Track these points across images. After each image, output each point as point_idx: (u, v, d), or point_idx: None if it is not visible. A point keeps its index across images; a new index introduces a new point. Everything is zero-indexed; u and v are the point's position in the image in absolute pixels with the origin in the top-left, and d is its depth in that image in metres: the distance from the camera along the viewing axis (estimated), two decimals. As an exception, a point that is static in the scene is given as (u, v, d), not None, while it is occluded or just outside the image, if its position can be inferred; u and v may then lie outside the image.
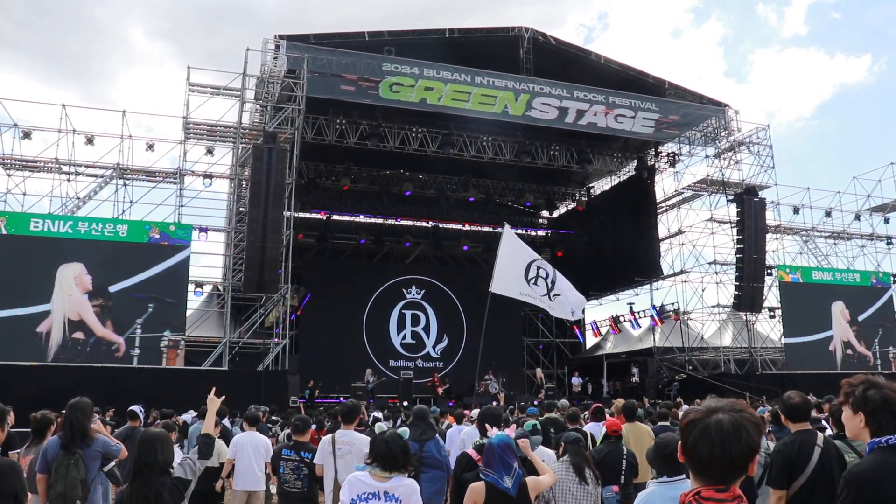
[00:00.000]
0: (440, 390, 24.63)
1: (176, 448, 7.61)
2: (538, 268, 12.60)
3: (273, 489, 9.02)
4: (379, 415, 13.44)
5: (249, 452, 8.14)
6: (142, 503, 3.87)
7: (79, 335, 17.83)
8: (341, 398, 20.10)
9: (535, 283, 12.46)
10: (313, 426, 11.51)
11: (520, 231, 33.92)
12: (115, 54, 67.52)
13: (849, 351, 25.79)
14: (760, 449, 2.05)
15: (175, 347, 18.35)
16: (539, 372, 28.32)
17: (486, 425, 6.13)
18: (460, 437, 9.17)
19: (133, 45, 66.26)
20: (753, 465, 1.86)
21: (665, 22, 79.24)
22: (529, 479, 4.67)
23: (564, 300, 12.69)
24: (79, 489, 5.36)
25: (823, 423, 6.62)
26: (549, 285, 12.57)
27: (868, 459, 2.76)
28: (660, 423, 9.35)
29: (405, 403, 20.44)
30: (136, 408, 8.91)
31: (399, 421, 12.43)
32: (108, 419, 10.40)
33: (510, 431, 5.55)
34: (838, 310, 26.00)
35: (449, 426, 10.92)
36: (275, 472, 7.63)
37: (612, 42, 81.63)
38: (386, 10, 67.46)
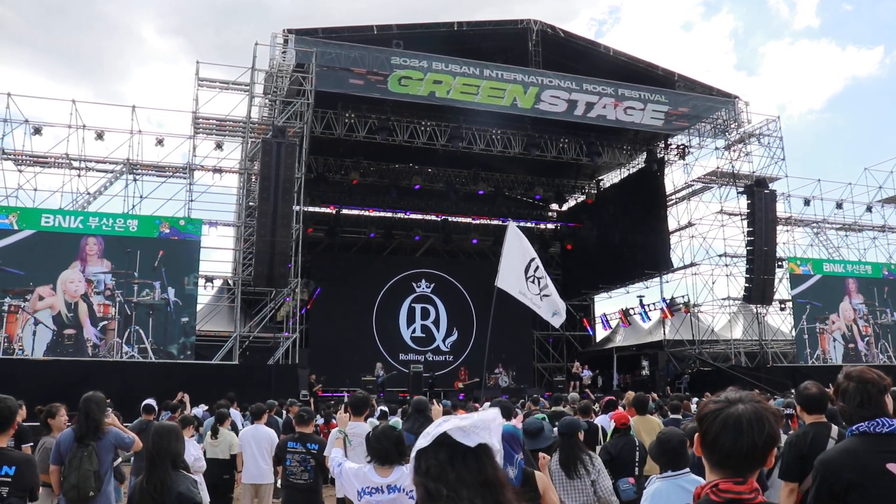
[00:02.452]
0: (459, 384, 24.57)
1: (193, 441, 7.69)
2: (536, 266, 12.58)
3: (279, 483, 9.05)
4: (375, 421, 13.35)
5: (253, 446, 8.23)
6: (152, 493, 3.93)
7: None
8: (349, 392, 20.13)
9: (532, 282, 12.45)
10: (321, 420, 11.58)
11: (529, 224, 33.94)
12: (126, 51, 67.83)
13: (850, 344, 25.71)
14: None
15: (14, 313, 17.48)
16: (577, 365, 28.25)
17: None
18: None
19: (144, 41, 66.53)
20: (772, 457, 1.84)
21: (676, 15, 78.84)
22: (539, 474, 4.62)
23: (551, 303, 12.64)
24: (92, 481, 5.41)
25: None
26: (541, 284, 12.56)
27: (837, 446, 3.13)
28: (671, 416, 9.29)
29: (416, 397, 20.44)
30: (150, 401, 8.98)
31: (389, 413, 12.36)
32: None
33: (517, 422, 5.53)
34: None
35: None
36: (278, 464, 7.63)
37: (623, 36, 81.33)
38: (394, 4, 67.37)
